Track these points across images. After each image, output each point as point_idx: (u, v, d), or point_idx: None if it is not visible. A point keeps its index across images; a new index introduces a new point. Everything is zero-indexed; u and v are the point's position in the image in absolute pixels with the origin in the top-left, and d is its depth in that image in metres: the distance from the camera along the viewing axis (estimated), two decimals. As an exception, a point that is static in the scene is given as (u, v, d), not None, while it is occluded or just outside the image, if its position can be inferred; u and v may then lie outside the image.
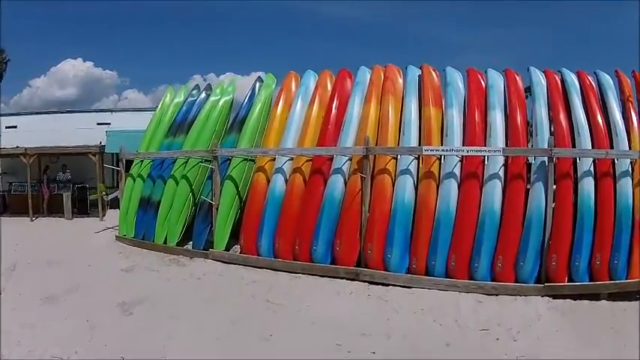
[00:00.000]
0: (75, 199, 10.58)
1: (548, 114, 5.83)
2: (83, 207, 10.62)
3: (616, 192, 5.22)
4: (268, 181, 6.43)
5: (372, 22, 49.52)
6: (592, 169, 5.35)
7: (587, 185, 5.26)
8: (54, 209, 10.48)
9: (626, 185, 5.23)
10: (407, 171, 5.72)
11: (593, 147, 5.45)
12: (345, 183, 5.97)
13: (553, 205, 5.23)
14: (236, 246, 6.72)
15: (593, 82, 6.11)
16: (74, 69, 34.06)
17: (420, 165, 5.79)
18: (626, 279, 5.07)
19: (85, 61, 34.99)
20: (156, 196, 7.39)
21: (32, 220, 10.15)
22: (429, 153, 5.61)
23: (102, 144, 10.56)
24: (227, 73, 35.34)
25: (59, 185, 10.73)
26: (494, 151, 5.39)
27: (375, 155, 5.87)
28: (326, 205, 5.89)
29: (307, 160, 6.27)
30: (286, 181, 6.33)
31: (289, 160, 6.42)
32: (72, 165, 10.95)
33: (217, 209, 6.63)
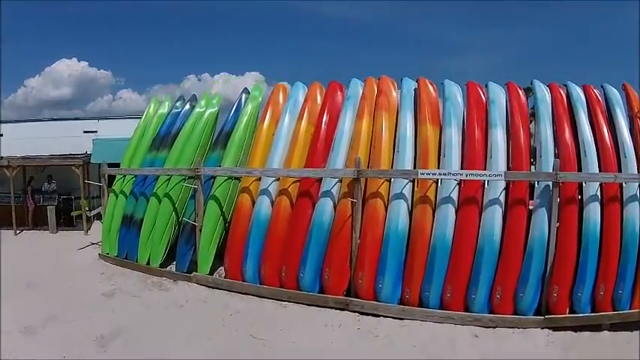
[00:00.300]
0: (60, 211, 10.26)
1: (553, 134, 5.45)
2: (69, 219, 10.30)
3: (622, 218, 4.89)
4: (253, 202, 6.08)
5: (372, 22, 48.68)
6: (598, 193, 5.01)
7: (594, 212, 4.92)
8: (39, 221, 10.18)
9: (633, 211, 4.89)
10: (401, 195, 5.37)
11: (600, 168, 5.10)
12: (335, 207, 5.62)
13: (556, 230, 4.90)
14: (221, 268, 6.42)
15: (600, 97, 5.74)
16: (69, 69, 33.55)
17: (416, 188, 5.42)
18: (629, 309, 4.77)
19: (79, 61, 34.42)
20: (138, 214, 7.07)
21: (16, 234, 9.85)
22: (425, 177, 5.24)
23: (88, 153, 10.23)
24: (221, 73, 34.73)
25: (44, 196, 10.40)
26: (495, 176, 5.03)
27: (366, 177, 5.52)
28: (314, 230, 5.56)
29: (295, 181, 5.92)
30: (272, 203, 5.98)
31: (276, 180, 6.07)
32: (58, 175, 10.59)
33: (201, 231, 6.31)
